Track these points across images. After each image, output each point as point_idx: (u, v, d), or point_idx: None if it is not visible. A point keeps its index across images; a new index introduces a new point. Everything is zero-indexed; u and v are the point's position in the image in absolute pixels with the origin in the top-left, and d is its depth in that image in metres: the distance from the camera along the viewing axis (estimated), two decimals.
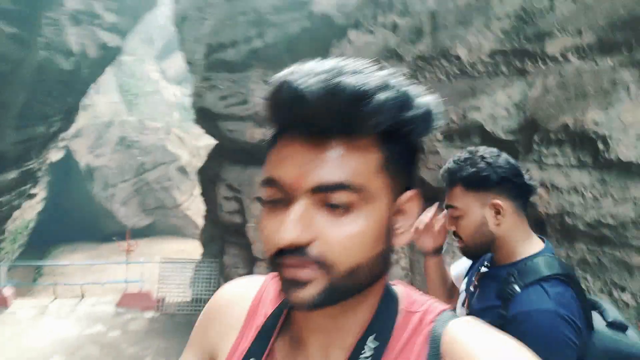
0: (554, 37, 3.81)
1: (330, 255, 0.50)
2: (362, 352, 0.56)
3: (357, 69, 0.50)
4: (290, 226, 0.50)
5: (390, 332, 0.58)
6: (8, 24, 8.21)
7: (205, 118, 9.43)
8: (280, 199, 0.54)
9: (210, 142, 25.39)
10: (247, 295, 0.71)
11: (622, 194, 3.16)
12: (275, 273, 0.54)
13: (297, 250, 0.50)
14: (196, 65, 10.16)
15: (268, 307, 0.68)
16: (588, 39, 3.54)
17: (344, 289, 0.52)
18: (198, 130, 29.81)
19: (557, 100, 3.66)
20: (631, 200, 3.09)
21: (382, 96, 0.49)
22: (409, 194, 0.58)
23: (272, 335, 0.63)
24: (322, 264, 0.50)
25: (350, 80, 0.48)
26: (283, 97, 0.51)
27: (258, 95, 8.09)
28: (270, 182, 0.54)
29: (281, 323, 0.65)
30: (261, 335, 0.64)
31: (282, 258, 0.51)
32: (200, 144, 25.29)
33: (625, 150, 3.16)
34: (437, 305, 0.61)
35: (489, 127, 4.20)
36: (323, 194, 0.51)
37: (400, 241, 0.58)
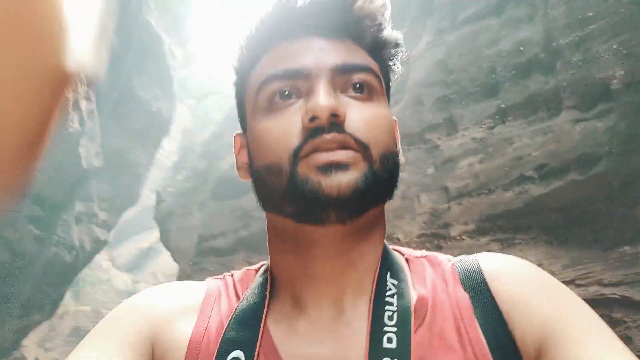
0: (454, 225, 6.38)
1: (366, 135, 0.51)
2: (387, 289, 0.53)
3: None
4: (327, 95, 0.50)
5: (403, 271, 0.57)
6: (36, 227, 10.09)
7: None
8: (290, 90, 0.53)
9: None
10: (193, 288, 0.63)
11: None
12: (299, 171, 0.49)
13: (336, 126, 0.49)
14: (182, 253, 12.16)
15: (233, 296, 0.60)
16: (470, 227, 6.13)
17: (379, 178, 0.51)
18: None
19: None
20: None
21: (382, 1, 0.58)
22: (394, 119, 0.62)
23: (261, 312, 0.55)
24: (359, 142, 0.50)
25: None
26: (303, 1, 0.55)
27: None
28: (279, 73, 0.53)
29: (269, 297, 0.57)
30: (241, 317, 0.55)
31: (318, 138, 0.49)
32: None
33: None
34: (438, 253, 0.65)
35: None
36: (347, 75, 0.53)
37: (401, 160, 0.59)
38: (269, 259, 0.61)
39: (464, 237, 6.19)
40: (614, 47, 4.94)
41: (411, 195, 7.06)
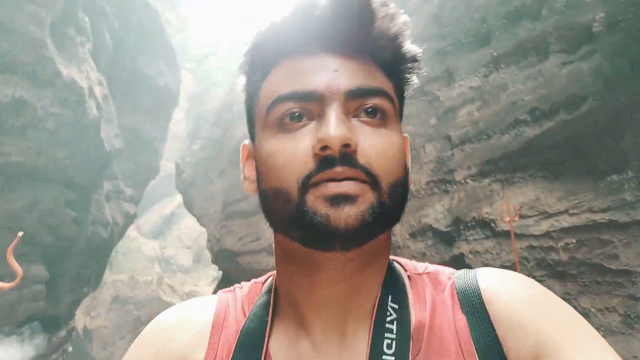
0: (458, 171, 6.94)
1: (377, 166, 0.49)
2: (388, 315, 0.53)
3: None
4: (339, 123, 0.48)
5: (404, 293, 0.56)
6: (73, 210, 10.89)
7: (225, 257, 11.95)
8: (301, 112, 0.51)
9: (196, 288, 27.06)
10: (203, 310, 0.62)
11: (508, 248, 6.00)
12: (307, 200, 0.49)
13: (347, 158, 0.48)
14: (208, 218, 12.96)
15: (240, 315, 0.61)
16: (473, 171, 6.68)
17: (387, 210, 0.50)
18: (183, 278, 31.35)
19: (466, 204, 6.67)
20: (510, 250, 5.94)
21: (403, 18, 0.55)
22: (405, 136, 0.59)
23: (263, 336, 0.56)
24: (370, 174, 0.48)
25: (381, 4, 0.54)
26: (322, 11, 0.52)
27: (269, 233, 10.83)
28: (290, 95, 0.51)
29: (270, 320, 0.58)
30: (244, 345, 0.56)
31: (329, 170, 0.48)
32: (187, 289, 26.99)
33: (504, 225, 6.06)
34: (439, 266, 0.61)
35: (435, 225, 7.10)
36: (360, 100, 0.51)
37: (410, 179, 0.57)
38: (276, 276, 0.61)
39: (468, 180, 6.76)
40: None
41: (417, 146, 7.58)
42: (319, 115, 0.50)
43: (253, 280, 0.67)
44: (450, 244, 6.93)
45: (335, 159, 0.47)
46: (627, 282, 5.15)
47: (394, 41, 0.55)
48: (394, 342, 0.51)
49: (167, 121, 17.45)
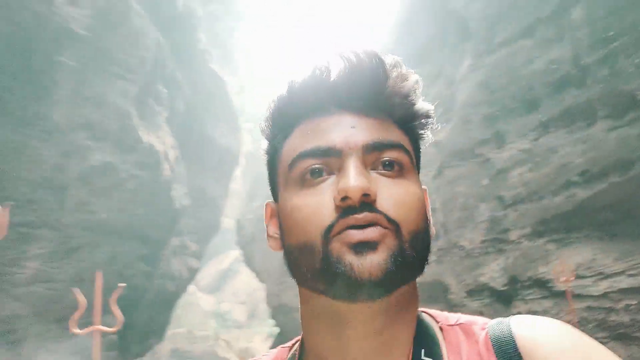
0: (512, 230, 7.13)
1: (395, 214, 0.50)
2: None
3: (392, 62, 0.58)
4: (357, 175, 0.50)
5: (437, 346, 0.55)
6: (144, 264, 11.75)
7: (283, 312, 12.32)
8: (322, 167, 0.53)
9: (250, 345, 27.18)
10: None
11: (567, 308, 6.05)
12: (331, 250, 0.49)
13: (367, 205, 0.49)
14: (267, 274, 13.49)
15: None
16: (527, 230, 6.86)
17: (408, 258, 0.50)
18: (238, 334, 31.52)
19: (521, 263, 6.81)
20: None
21: (414, 78, 0.58)
22: (424, 188, 0.59)
23: None
24: (391, 221, 0.49)
25: (392, 66, 0.57)
26: (337, 75, 0.55)
27: None
28: (311, 151, 0.54)
29: None
30: None
31: (350, 217, 0.49)
32: (243, 345, 27.24)
33: (561, 285, 6.15)
34: (472, 316, 0.60)
35: (491, 284, 7.23)
36: (377, 153, 0.53)
37: (432, 232, 0.57)
38: (303, 336, 0.62)
39: (522, 240, 6.93)
40: (636, 61, 5.59)
41: (470, 205, 7.87)
42: (339, 170, 0.52)
43: (280, 346, 0.67)
44: (507, 303, 7.01)
45: (356, 208, 0.49)
46: None
47: (406, 99, 0.58)
48: None
49: (229, 180, 18.56)
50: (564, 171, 6.46)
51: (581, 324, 5.87)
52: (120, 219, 10.44)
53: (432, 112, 0.61)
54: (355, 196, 0.48)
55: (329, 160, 0.53)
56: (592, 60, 6.15)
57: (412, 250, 0.50)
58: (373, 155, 0.53)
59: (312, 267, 0.51)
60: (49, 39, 8.47)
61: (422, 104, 0.60)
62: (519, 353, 0.51)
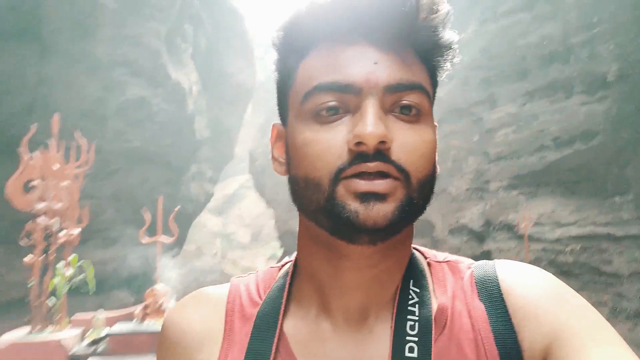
0: (492, 182, 8.36)
1: (408, 163, 0.49)
2: (410, 298, 0.54)
3: None
4: (376, 120, 0.47)
5: (425, 278, 0.57)
6: (168, 187, 13.15)
7: (289, 237, 13.90)
8: (339, 105, 0.50)
9: (253, 264, 29.44)
10: (215, 302, 0.61)
11: (524, 248, 7.43)
12: (337, 193, 0.48)
13: (381, 154, 0.48)
14: (277, 202, 14.94)
15: (255, 298, 0.60)
16: (504, 183, 8.10)
17: (415, 206, 0.50)
18: (242, 254, 33.71)
19: (495, 210, 8.12)
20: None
21: (446, 8, 0.52)
22: (435, 125, 0.57)
23: (277, 318, 0.56)
24: (401, 170, 0.48)
25: None
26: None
27: None
28: (328, 85, 0.50)
29: (285, 302, 0.58)
30: (261, 328, 0.56)
31: (362, 164, 0.47)
32: (247, 264, 29.64)
33: (521, 229, 7.49)
34: (459, 257, 0.62)
35: (470, 225, 8.59)
36: (397, 94, 0.50)
37: (437, 170, 0.56)
38: (298, 257, 0.61)
39: (499, 190, 8.19)
40: (611, 48, 6.56)
41: (460, 158, 9.06)
42: (355, 109, 0.49)
43: (269, 266, 0.67)
44: (481, 242, 8.42)
45: (369, 155, 0.47)
46: (616, 283, 6.50)
47: (435, 32, 0.53)
48: (416, 323, 0.51)
49: (243, 112, 19.62)
50: (540, 135, 7.60)
51: (535, 262, 7.27)
52: (150, 148, 11.70)
53: (456, 42, 0.55)
54: (371, 143, 0.46)
55: (347, 97, 0.49)
56: (577, 41, 7.08)
57: (420, 197, 0.50)
58: (393, 97, 0.49)
59: (316, 203, 0.50)
60: None
61: (448, 36, 0.54)
62: (501, 293, 0.52)
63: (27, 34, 8.99)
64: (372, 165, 0.47)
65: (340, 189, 0.48)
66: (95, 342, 5.22)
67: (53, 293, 5.36)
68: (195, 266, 29.13)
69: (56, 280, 5.34)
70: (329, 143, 0.49)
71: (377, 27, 0.51)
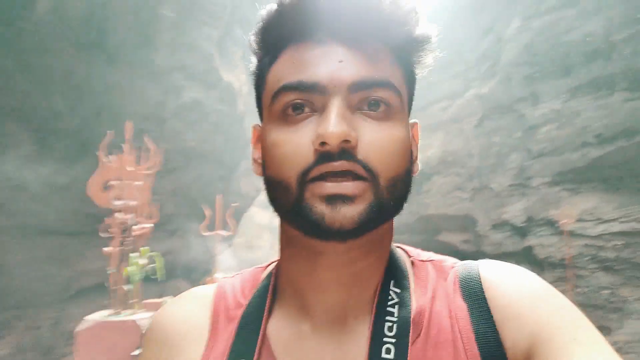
0: (534, 178, 8.47)
1: (376, 161, 0.48)
2: (389, 298, 0.53)
3: None
4: (338, 120, 0.46)
5: (406, 278, 0.56)
6: (221, 184, 13.90)
7: None
8: (304, 103, 0.50)
9: None
10: (201, 303, 0.62)
11: (569, 244, 7.53)
12: (305, 195, 0.48)
13: (346, 153, 0.47)
14: None
15: (240, 299, 0.60)
16: (547, 179, 8.20)
17: (386, 207, 0.49)
18: None
19: (538, 206, 8.25)
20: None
21: (412, 4, 0.52)
22: (415, 122, 0.57)
23: (260, 320, 0.56)
24: (368, 169, 0.48)
25: None
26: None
27: None
28: (294, 85, 0.50)
29: (269, 304, 0.58)
30: (244, 329, 0.56)
31: (326, 164, 0.47)
32: None
33: (566, 225, 7.59)
34: (444, 256, 0.61)
35: (512, 221, 8.73)
36: (364, 92, 0.49)
37: (415, 169, 0.56)
38: (280, 261, 0.61)
39: (541, 187, 8.31)
40: None
41: (502, 154, 9.20)
42: (322, 108, 0.49)
43: (254, 267, 0.67)
44: (523, 237, 8.57)
45: (333, 154, 0.46)
46: None
47: (405, 27, 0.53)
48: (395, 325, 0.51)
49: None
50: (583, 132, 7.66)
51: (578, 257, 7.40)
52: (204, 146, 12.50)
53: (432, 36, 0.55)
54: (334, 142, 0.46)
55: (313, 96, 0.49)
56: (620, 37, 7.10)
57: (390, 197, 0.49)
58: (359, 94, 0.49)
59: (286, 205, 0.50)
60: None
61: (421, 30, 0.54)
62: (483, 292, 0.52)
63: (95, 44, 9.88)
64: (337, 165, 0.47)
65: (308, 193, 0.48)
66: None
67: (128, 280, 6.10)
68: (248, 257, 30.29)
69: (131, 268, 6.07)
70: (296, 144, 0.49)
71: (343, 25, 0.51)
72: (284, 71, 0.52)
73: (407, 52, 0.56)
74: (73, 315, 10.33)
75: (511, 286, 0.52)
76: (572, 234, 7.46)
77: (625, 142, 7.00)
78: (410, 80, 0.57)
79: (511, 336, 0.48)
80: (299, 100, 0.50)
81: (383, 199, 0.49)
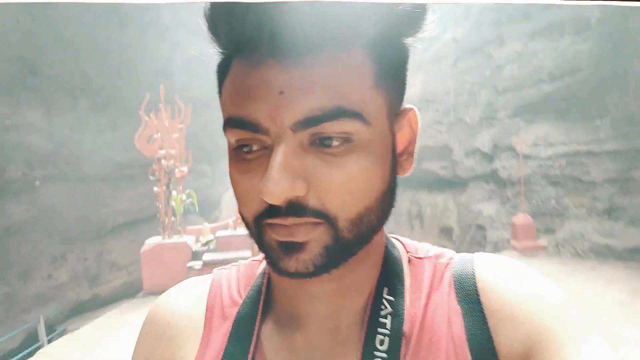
0: (500, 111, 9.98)
1: (332, 205, 0.42)
2: (382, 308, 0.50)
3: None
4: (279, 176, 0.40)
5: (401, 282, 0.52)
6: None
7: None
8: (253, 142, 0.43)
9: None
10: (198, 296, 0.59)
11: (524, 165, 9.19)
12: (264, 235, 0.44)
13: (294, 207, 0.41)
14: None
15: (236, 297, 0.57)
16: (509, 112, 9.73)
17: (349, 245, 0.44)
18: None
19: (502, 135, 9.82)
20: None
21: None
22: (407, 111, 0.49)
23: (254, 324, 0.53)
24: (323, 215, 0.42)
25: None
26: (247, 7, 0.39)
27: None
28: (236, 123, 0.42)
29: (262, 306, 0.54)
30: (238, 329, 0.53)
31: (274, 218, 0.42)
32: None
33: (523, 149, 9.20)
34: (441, 248, 0.58)
35: (482, 149, 10.34)
36: (314, 127, 0.40)
37: (406, 169, 0.50)
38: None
39: (504, 118, 9.83)
40: None
41: (474, 91, 10.62)
42: (271, 145, 0.41)
43: (251, 259, 0.62)
44: (490, 162, 10.21)
45: (280, 209, 0.41)
46: (592, 188, 8.28)
47: (382, 11, 0.42)
48: (386, 338, 0.48)
49: None
50: (538, 71, 9.09)
51: (532, 175, 9.08)
52: (209, 96, 13.81)
53: (418, 11, 0.44)
54: (275, 202, 0.40)
55: (259, 136, 0.41)
56: None
57: (354, 234, 0.43)
58: (310, 130, 0.40)
59: (252, 236, 0.46)
60: None
61: (389, 15, 0.42)
62: (478, 294, 0.49)
63: (110, 7, 10.85)
64: (285, 221, 0.41)
65: (265, 234, 0.44)
66: (206, 244, 7.62)
67: (173, 213, 7.74)
68: None
69: (174, 203, 7.69)
70: (246, 187, 0.43)
71: (289, 37, 0.39)
72: (228, 97, 0.43)
73: (381, 44, 0.43)
74: (112, 248, 12.11)
75: (505, 286, 0.49)
76: (528, 157, 9.10)
77: (571, 80, 8.46)
78: (397, 74, 0.47)
79: (506, 340, 0.46)
80: (245, 141, 0.42)
81: (343, 240, 0.43)
